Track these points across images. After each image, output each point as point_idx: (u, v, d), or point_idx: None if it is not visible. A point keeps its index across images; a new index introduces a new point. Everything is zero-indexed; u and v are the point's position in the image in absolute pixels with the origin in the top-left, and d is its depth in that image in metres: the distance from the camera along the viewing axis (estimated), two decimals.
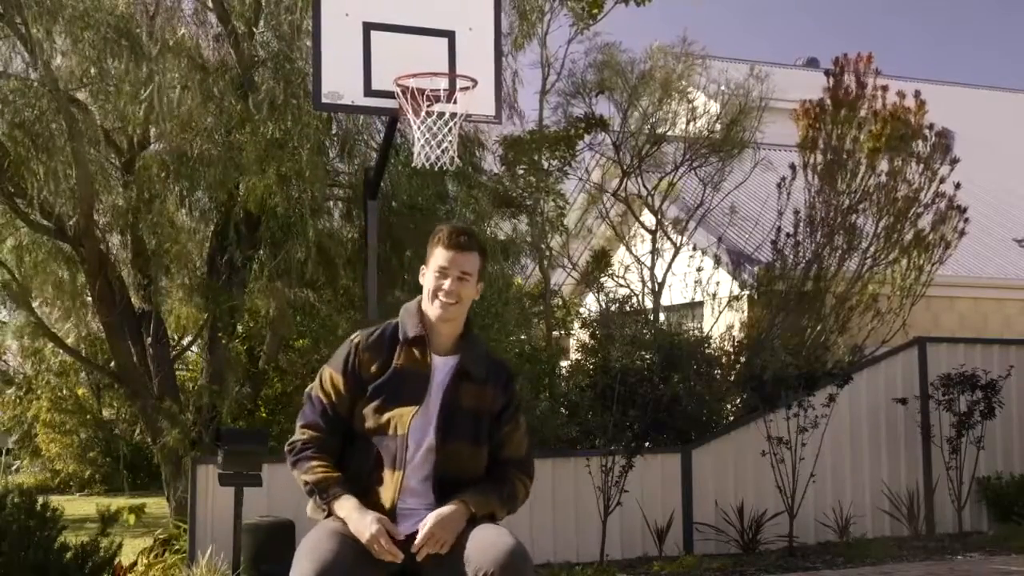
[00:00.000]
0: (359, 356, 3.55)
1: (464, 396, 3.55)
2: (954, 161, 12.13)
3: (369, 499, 3.47)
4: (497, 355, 3.79)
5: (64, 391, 15.52)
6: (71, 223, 9.43)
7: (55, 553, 6.38)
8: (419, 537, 3.37)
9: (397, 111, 7.06)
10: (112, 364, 10.87)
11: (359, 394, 3.53)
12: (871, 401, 10.45)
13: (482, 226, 10.45)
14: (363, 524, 3.35)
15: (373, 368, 3.53)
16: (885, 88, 11.99)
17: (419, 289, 3.65)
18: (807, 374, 9.65)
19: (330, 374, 3.57)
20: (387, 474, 3.49)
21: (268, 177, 8.86)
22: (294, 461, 3.55)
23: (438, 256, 3.55)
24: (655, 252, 12.57)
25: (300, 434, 3.57)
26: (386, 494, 3.47)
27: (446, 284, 3.53)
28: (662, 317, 12.64)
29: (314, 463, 3.49)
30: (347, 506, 3.42)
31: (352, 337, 3.62)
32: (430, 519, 3.39)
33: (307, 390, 3.64)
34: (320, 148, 9.44)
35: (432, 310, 3.55)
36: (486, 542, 3.32)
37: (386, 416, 3.49)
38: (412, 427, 3.48)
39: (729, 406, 10.84)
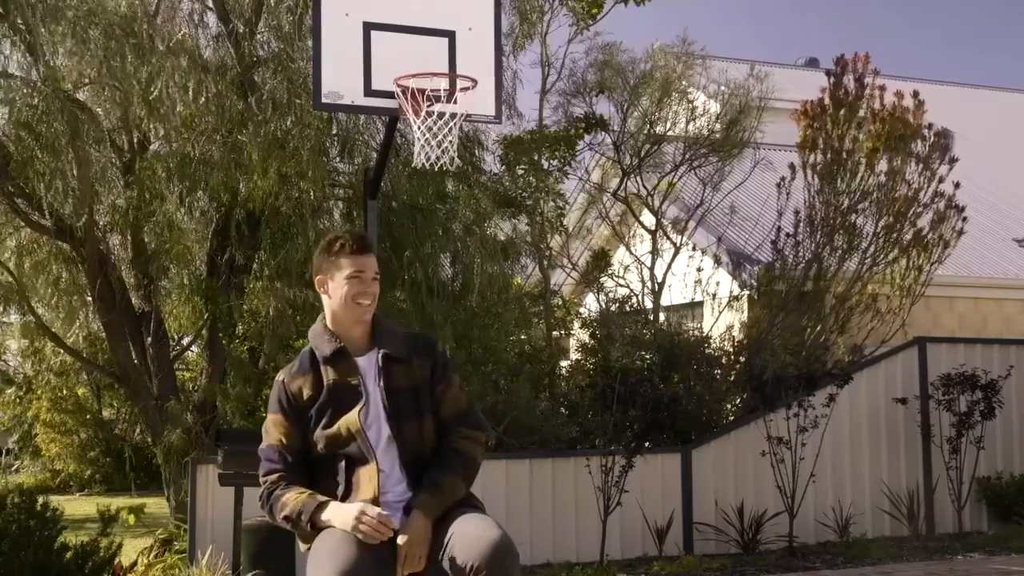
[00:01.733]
0: (288, 389, 3.62)
1: (397, 378, 3.63)
2: (953, 161, 12.13)
3: (354, 500, 3.53)
4: (416, 332, 3.92)
5: (64, 391, 15.52)
6: (79, 224, 9.43)
7: (55, 553, 6.37)
8: (399, 565, 3.43)
9: (397, 111, 7.06)
10: (112, 364, 10.86)
11: (305, 424, 3.60)
12: (871, 401, 10.45)
13: (482, 226, 10.45)
14: (348, 513, 3.40)
15: (307, 394, 3.61)
16: (883, 88, 11.99)
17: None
18: (807, 374, 9.65)
19: (271, 420, 3.64)
20: (362, 472, 3.56)
21: (271, 178, 8.86)
22: (268, 509, 3.59)
23: (346, 264, 3.62)
24: (655, 252, 12.58)
25: (263, 483, 3.62)
26: (367, 489, 3.53)
27: (369, 288, 3.64)
28: (662, 317, 12.64)
29: (284, 497, 3.54)
30: (329, 508, 3.48)
31: (277, 378, 3.69)
32: (400, 543, 3.43)
33: (260, 448, 3.68)
34: (321, 148, 9.43)
35: (355, 313, 3.63)
36: (472, 536, 3.37)
37: (335, 428, 3.56)
38: (364, 422, 3.56)
39: (729, 406, 10.84)
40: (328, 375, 3.61)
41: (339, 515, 3.43)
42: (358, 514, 3.37)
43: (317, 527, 3.47)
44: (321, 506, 3.48)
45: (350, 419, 3.56)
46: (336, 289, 3.64)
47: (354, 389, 3.60)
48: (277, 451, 3.60)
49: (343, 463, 3.57)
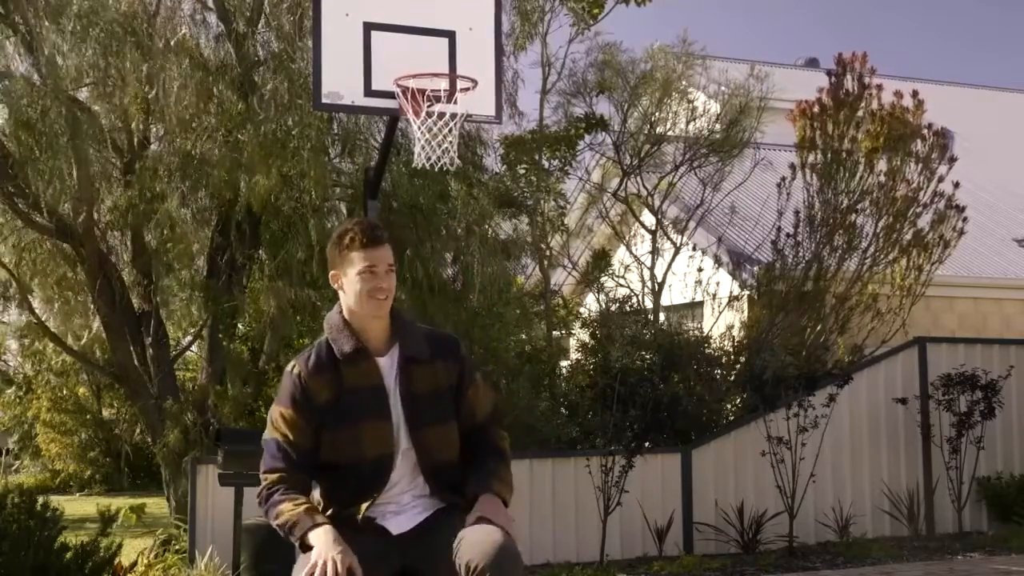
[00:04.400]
0: (305, 385, 3.42)
1: (416, 381, 3.47)
2: (952, 160, 12.13)
3: (352, 515, 3.43)
4: (438, 330, 3.68)
5: (64, 391, 15.53)
6: (79, 224, 9.42)
7: (55, 553, 6.37)
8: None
9: (397, 111, 7.07)
10: (112, 364, 10.86)
11: (318, 423, 3.42)
12: (871, 401, 10.45)
13: (483, 226, 10.44)
14: (326, 548, 3.22)
15: (325, 396, 3.43)
16: (880, 88, 11.99)
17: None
18: (807, 374, 9.66)
19: (279, 412, 3.44)
20: (373, 495, 3.43)
21: (272, 177, 8.86)
22: (265, 511, 3.43)
23: (358, 258, 3.43)
24: (655, 252, 12.58)
25: (264, 481, 3.44)
26: (365, 508, 3.43)
27: (383, 283, 3.43)
28: (662, 317, 12.64)
29: (281, 506, 3.37)
30: (315, 534, 3.28)
31: (290, 368, 3.50)
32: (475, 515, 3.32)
33: (263, 438, 3.51)
34: (321, 148, 9.44)
35: (371, 309, 3.44)
36: (477, 537, 3.29)
37: (358, 437, 3.41)
38: (395, 443, 3.43)
39: (729, 406, 10.84)
40: (348, 375, 3.43)
41: (320, 544, 3.24)
42: (331, 557, 3.18)
43: (305, 546, 3.31)
44: (315, 530, 3.29)
45: (382, 441, 3.41)
46: (350, 285, 3.45)
47: (375, 393, 3.44)
48: (282, 448, 3.42)
49: (357, 478, 3.41)
